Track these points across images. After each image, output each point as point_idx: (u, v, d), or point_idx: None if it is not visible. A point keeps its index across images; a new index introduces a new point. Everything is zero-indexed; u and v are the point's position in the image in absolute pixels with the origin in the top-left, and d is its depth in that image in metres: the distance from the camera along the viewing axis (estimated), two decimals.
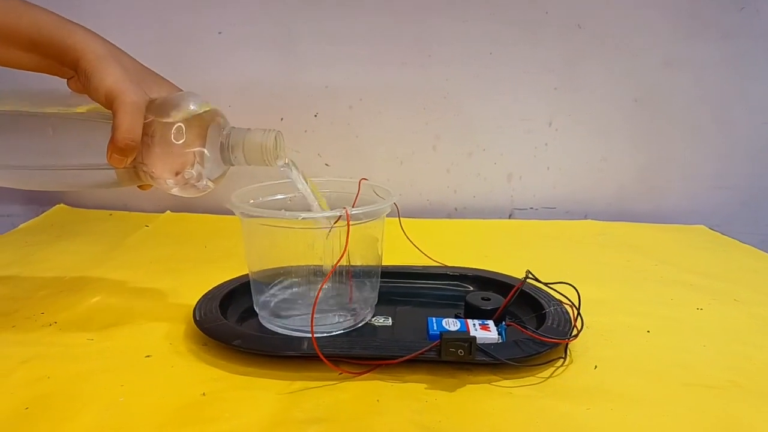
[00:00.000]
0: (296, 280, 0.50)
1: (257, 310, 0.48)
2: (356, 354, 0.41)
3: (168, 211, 0.84)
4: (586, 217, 0.90)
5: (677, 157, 0.89)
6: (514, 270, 0.58)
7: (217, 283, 0.52)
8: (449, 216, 0.89)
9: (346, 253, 0.43)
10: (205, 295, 0.50)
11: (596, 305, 0.51)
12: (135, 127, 0.38)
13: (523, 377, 0.41)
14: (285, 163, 0.44)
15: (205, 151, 0.41)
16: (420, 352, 0.40)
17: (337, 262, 0.43)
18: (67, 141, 0.43)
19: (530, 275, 0.49)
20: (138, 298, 0.53)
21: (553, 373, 0.41)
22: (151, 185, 0.43)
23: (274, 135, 0.42)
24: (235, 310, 0.49)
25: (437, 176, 0.88)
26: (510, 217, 0.90)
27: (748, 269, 0.66)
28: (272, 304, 0.48)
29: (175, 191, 0.42)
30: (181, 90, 0.45)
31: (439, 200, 0.89)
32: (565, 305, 0.49)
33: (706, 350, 0.46)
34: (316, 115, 0.85)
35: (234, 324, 0.45)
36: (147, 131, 0.39)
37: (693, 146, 0.88)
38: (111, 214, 0.83)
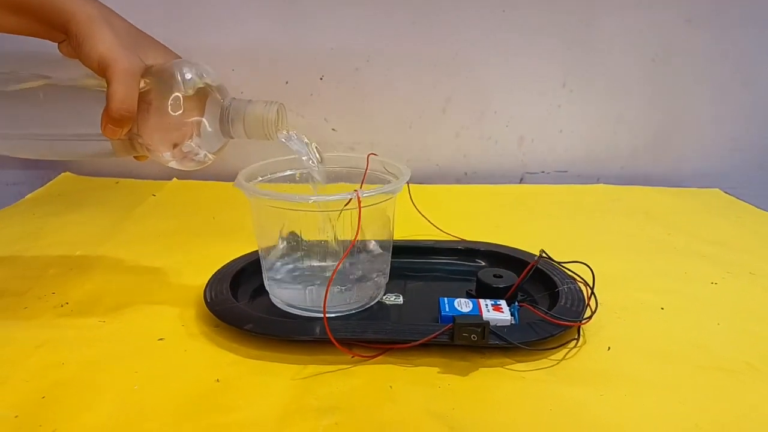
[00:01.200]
0: (305, 257, 0.49)
1: (267, 289, 0.48)
2: (368, 338, 0.41)
3: (175, 179, 0.83)
4: (598, 181, 0.88)
5: (694, 119, 0.87)
6: (526, 241, 0.58)
7: (227, 260, 0.52)
8: (458, 181, 0.88)
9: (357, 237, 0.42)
10: (216, 274, 0.49)
11: (609, 279, 0.51)
12: (130, 97, 0.37)
13: (536, 360, 0.40)
14: (287, 136, 0.43)
15: (204, 122, 0.40)
16: (432, 336, 0.40)
17: (349, 249, 0.42)
18: (60, 109, 0.42)
19: (544, 254, 0.48)
20: (148, 276, 0.53)
21: (566, 355, 0.41)
22: (148, 156, 0.42)
23: (276, 107, 0.41)
24: (246, 288, 0.49)
25: (447, 140, 0.86)
26: (521, 181, 0.89)
27: (763, 237, 0.65)
28: (281, 281, 0.47)
29: (172, 164, 0.41)
30: (178, 55, 0.44)
31: (449, 165, 0.88)
32: (578, 283, 0.48)
33: (721, 329, 0.45)
34: (321, 78, 0.83)
35: (245, 305, 0.45)
36: (143, 101, 0.38)
37: (711, 107, 0.86)
38: (117, 182, 0.83)
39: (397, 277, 0.51)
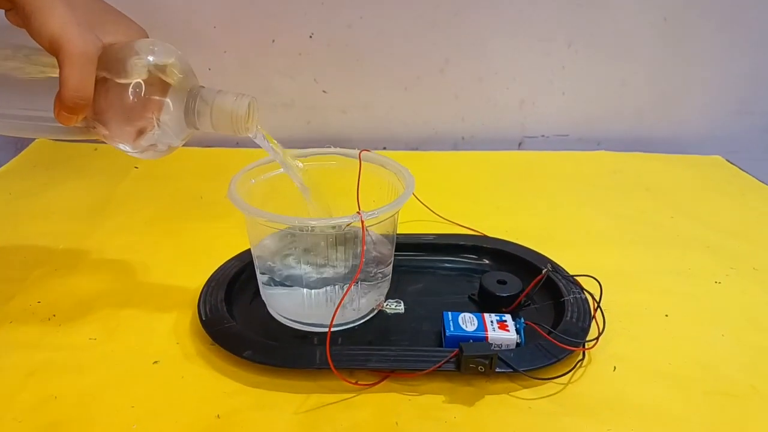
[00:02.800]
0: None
1: (263, 298, 0.46)
2: (372, 366, 0.39)
3: None
4: (599, 146, 0.85)
5: (701, 81, 0.83)
6: (527, 227, 0.57)
7: (220, 253, 0.50)
8: (455, 146, 0.85)
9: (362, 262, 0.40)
10: (209, 281, 0.47)
11: (613, 278, 0.50)
12: (84, 83, 0.33)
13: (541, 385, 0.40)
14: (258, 136, 0.40)
15: (167, 115, 0.36)
16: (437, 366, 0.39)
17: (357, 276, 0.40)
18: (11, 90, 0.38)
19: (550, 267, 0.46)
20: (137, 278, 0.51)
21: (571, 378, 0.41)
22: None
23: (248, 101, 0.37)
24: (241, 299, 0.47)
25: (444, 103, 0.82)
26: (520, 146, 0.85)
27: (764, 217, 0.65)
28: (276, 290, 0.46)
29: (132, 155, 0.38)
30: (144, 32, 0.40)
31: (446, 129, 0.84)
32: (584, 292, 0.47)
33: (725, 341, 0.45)
34: (311, 36, 0.77)
35: (242, 324, 0.43)
36: (99, 87, 0.34)
37: (720, 69, 0.82)
38: (96, 149, 0.78)
39: (398, 275, 0.49)
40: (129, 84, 0.34)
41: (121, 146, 0.38)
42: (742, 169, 0.78)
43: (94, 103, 0.35)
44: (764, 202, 0.69)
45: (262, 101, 0.79)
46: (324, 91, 0.80)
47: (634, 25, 0.78)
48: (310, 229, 0.39)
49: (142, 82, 0.35)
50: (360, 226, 0.38)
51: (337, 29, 0.77)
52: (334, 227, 0.39)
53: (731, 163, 0.80)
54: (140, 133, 0.36)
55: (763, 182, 0.74)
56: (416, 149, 0.84)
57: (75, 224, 0.59)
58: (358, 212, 0.38)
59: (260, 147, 0.41)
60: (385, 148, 0.84)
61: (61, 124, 0.35)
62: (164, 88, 0.36)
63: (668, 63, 0.81)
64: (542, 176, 0.75)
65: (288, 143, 0.82)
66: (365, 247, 0.40)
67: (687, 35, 0.79)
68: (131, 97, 0.35)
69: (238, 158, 0.72)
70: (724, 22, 0.79)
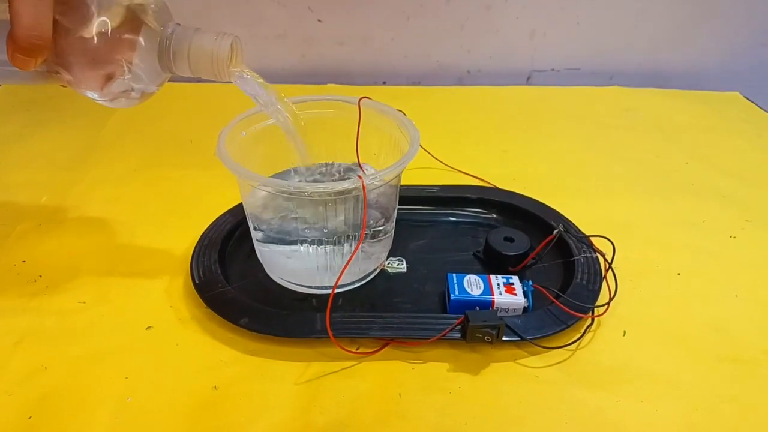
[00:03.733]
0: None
1: (259, 257, 0.44)
2: (374, 335, 0.38)
3: None
4: (611, 80, 0.80)
5: (722, 10, 0.77)
6: (536, 176, 0.55)
7: (212, 206, 0.48)
8: (460, 80, 0.80)
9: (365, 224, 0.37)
10: (202, 238, 0.45)
11: (625, 231, 0.48)
12: (41, 21, 0.29)
13: (549, 350, 0.39)
14: (242, 78, 0.36)
15: (138, 58, 0.33)
16: (443, 334, 0.37)
17: (360, 243, 0.38)
18: None
19: (561, 229, 0.44)
20: (127, 235, 0.48)
21: (580, 343, 0.39)
22: None
23: (230, 42, 0.34)
24: (235, 259, 0.45)
25: (449, 34, 0.76)
26: (528, 80, 0.81)
27: None
28: (273, 253, 0.43)
29: (100, 103, 0.35)
30: None
31: (451, 62, 0.79)
32: (596, 251, 0.45)
33: (738, 302, 0.43)
34: None
35: (237, 288, 0.41)
36: (59, 27, 0.31)
37: None
38: None
39: (400, 230, 0.46)
40: (93, 22, 0.31)
41: (89, 94, 0.34)
42: (761, 107, 0.74)
43: (54, 43, 0.31)
44: None
45: (253, 32, 0.75)
46: (319, 21, 0.74)
47: None
48: (307, 194, 0.36)
49: (107, 20, 0.31)
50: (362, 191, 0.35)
51: None
52: (333, 193, 0.36)
53: (749, 100, 0.76)
54: (109, 78, 0.33)
55: None
56: (418, 84, 0.79)
57: (57, 173, 0.56)
58: (359, 176, 0.35)
59: (248, 94, 0.37)
60: (385, 83, 0.79)
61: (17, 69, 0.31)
62: (134, 26, 0.32)
63: None
64: (551, 115, 0.71)
65: (281, 78, 0.78)
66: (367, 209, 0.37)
67: None
68: (96, 38, 0.31)
69: (230, 94, 0.68)
70: None
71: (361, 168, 0.46)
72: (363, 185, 0.35)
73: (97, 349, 0.38)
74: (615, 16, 0.76)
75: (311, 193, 0.35)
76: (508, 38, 0.77)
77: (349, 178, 0.42)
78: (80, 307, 0.41)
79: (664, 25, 0.77)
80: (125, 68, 0.33)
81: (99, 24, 0.31)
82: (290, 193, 0.36)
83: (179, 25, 0.34)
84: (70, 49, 0.31)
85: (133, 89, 0.34)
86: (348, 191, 0.36)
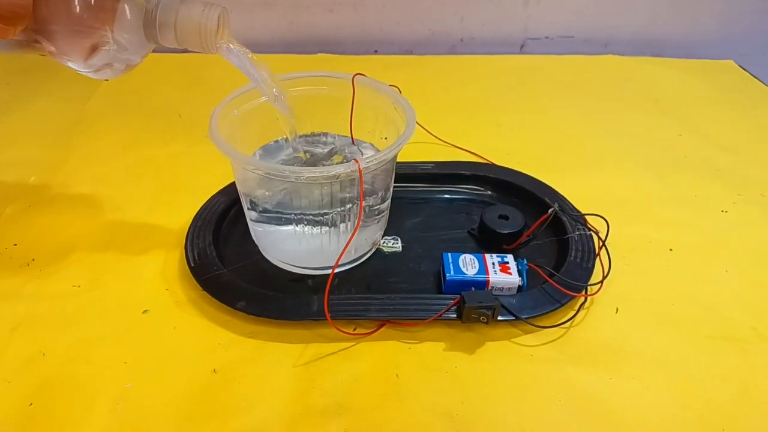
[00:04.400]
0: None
1: (254, 238, 0.44)
2: (371, 317, 0.38)
3: None
4: (606, 48, 0.79)
5: None
6: (530, 147, 0.56)
7: (204, 183, 0.47)
8: (453, 49, 0.78)
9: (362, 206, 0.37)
10: (196, 218, 0.45)
11: (618, 207, 0.48)
12: None
13: (543, 328, 0.39)
14: (229, 50, 0.35)
15: (123, 28, 0.32)
16: (438, 315, 0.38)
17: (357, 227, 0.37)
18: None
19: (557, 208, 0.44)
20: (119, 214, 0.48)
21: (573, 321, 0.40)
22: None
23: (218, 13, 0.33)
24: (231, 240, 0.45)
25: (442, 1, 0.75)
26: (522, 48, 0.79)
27: None
28: (268, 233, 0.43)
29: (84, 74, 0.34)
30: None
31: (443, 30, 0.77)
32: (590, 228, 0.45)
33: (728, 278, 0.44)
34: None
35: (233, 270, 0.41)
36: None
37: None
38: None
39: (395, 208, 0.46)
40: None
41: (71, 64, 0.33)
42: (755, 76, 0.73)
43: (35, 11, 0.30)
44: None
45: (241, 1, 0.72)
46: None
47: None
48: (304, 179, 0.35)
49: None
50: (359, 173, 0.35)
51: None
52: (329, 178, 0.35)
53: (743, 69, 0.75)
54: (93, 49, 0.32)
55: None
56: (410, 52, 0.78)
57: (45, 151, 0.55)
58: (356, 160, 0.35)
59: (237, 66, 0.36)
60: (376, 52, 0.77)
61: None
62: None
63: None
64: (545, 85, 0.70)
65: (269, 47, 0.76)
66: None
67: None
68: (78, 6, 0.30)
69: (217, 66, 0.66)
70: None
71: (355, 144, 0.45)
72: (359, 169, 0.35)
73: (95, 334, 0.38)
74: None
75: (307, 177, 0.35)
76: (501, 5, 0.75)
77: (344, 156, 0.41)
78: (75, 291, 0.41)
79: None
80: (109, 38, 0.32)
81: None
82: (285, 177, 0.36)
83: None
84: (53, 17, 0.30)
85: (117, 60, 0.33)
86: (345, 175, 0.35)
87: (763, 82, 0.72)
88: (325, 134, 0.46)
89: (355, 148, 0.45)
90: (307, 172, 0.35)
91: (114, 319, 0.39)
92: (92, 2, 0.30)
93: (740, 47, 0.79)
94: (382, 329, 0.39)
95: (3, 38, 0.30)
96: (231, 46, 0.35)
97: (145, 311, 0.40)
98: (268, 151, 0.45)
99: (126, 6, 0.32)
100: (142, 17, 0.32)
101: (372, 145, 0.46)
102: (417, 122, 0.40)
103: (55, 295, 0.41)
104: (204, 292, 0.40)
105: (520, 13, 0.76)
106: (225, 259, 0.43)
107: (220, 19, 0.33)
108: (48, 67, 0.69)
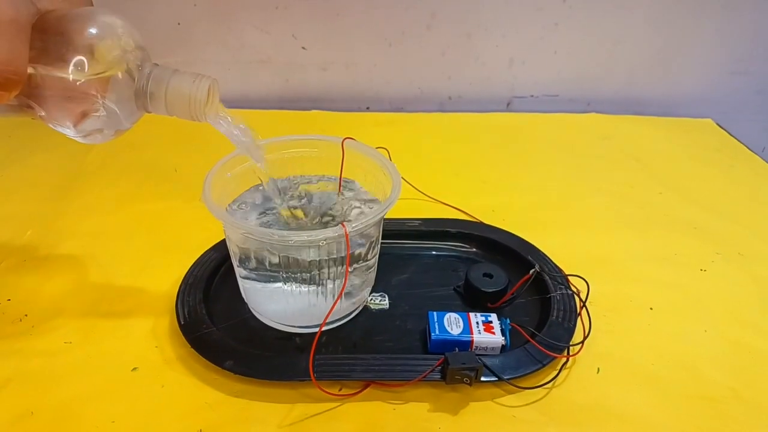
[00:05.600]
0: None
1: (243, 296, 0.45)
2: (356, 377, 0.39)
3: None
4: (589, 106, 0.83)
5: (698, 39, 0.79)
6: (514, 205, 0.57)
7: (197, 239, 0.49)
8: (441, 106, 0.81)
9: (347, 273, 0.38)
10: (187, 276, 0.46)
11: (600, 265, 0.50)
12: (16, 55, 0.29)
13: (526, 388, 0.40)
14: (218, 120, 0.37)
15: (114, 97, 0.33)
16: (423, 375, 0.38)
17: (341, 293, 0.38)
18: None
19: (538, 269, 0.45)
20: (112, 270, 0.49)
21: (555, 383, 0.41)
22: None
23: (208, 85, 0.34)
24: (221, 295, 0.46)
25: (431, 61, 0.78)
26: (508, 106, 0.82)
27: (752, 192, 0.64)
28: (256, 290, 0.44)
29: (72, 138, 0.35)
30: None
31: (432, 88, 0.80)
32: (571, 287, 0.47)
33: (707, 338, 0.45)
34: None
35: (223, 329, 0.42)
36: (34, 62, 0.30)
37: (717, 26, 0.78)
38: None
39: (383, 264, 0.47)
40: (71, 60, 0.31)
41: (62, 129, 0.34)
42: (732, 135, 0.76)
43: (29, 79, 0.30)
44: (752, 174, 0.68)
45: (236, 57, 0.75)
46: (303, 48, 0.75)
47: None
48: (291, 243, 0.36)
49: (84, 60, 0.31)
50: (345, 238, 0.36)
51: None
52: (315, 242, 0.37)
53: (721, 127, 0.78)
54: (83, 115, 0.33)
55: (752, 148, 0.73)
56: (401, 109, 0.81)
57: (40, 205, 0.56)
58: (342, 223, 0.36)
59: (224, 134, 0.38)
60: (368, 109, 0.80)
61: None
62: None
63: (665, 20, 0.77)
64: (530, 142, 0.72)
65: (264, 103, 0.79)
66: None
67: None
68: (73, 76, 0.31)
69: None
70: None
71: (342, 192, 0.46)
72: (346, 233, 0.36)
73: (84, 392, 0.38)
74: (591, 45, 0.78)
75: (295, 241, 0.36)
76: (487, 66, 0.79)
77: (332, 218, 0.43)
78: (66, 348, 0.42)
79: (640, 54, 0.80)
80: (100, 106, 0.33)
81: (76, 62, 0.30)
82: (273, 242, 0.37)
83: (157, 65, 0.34)
84: (45, 84, 0.31)
85: (107, 127, 0.34)
86: (331, 239, 0.37)
87: (740, 141, 0.75)
88: (311, 194, 0.48)
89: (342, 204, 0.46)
90: (295, 236, 0.36)
91: (103, 377, 0.40)
92: (87, 75, 0.31)
93: (718, 106, 0.83)
94: (368, 389, 0.39)
95: None
96: (219, 115, 0.37)
97: (134, 369, 0.40)
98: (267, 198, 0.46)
99: (118, 75, 0.33)
100: (133, 86, 0.33)
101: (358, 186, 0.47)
102: (405, 179, 0.41)
103: (46, 352, 0.41)
104: (192, 350, 0.41)
105: (506, 73, 0.79)
106: (214, 316, 0.43)
107: (210, 90, 0.34)
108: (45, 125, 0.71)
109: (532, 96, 0.82)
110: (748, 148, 0.73)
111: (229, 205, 0.44)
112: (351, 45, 0.76)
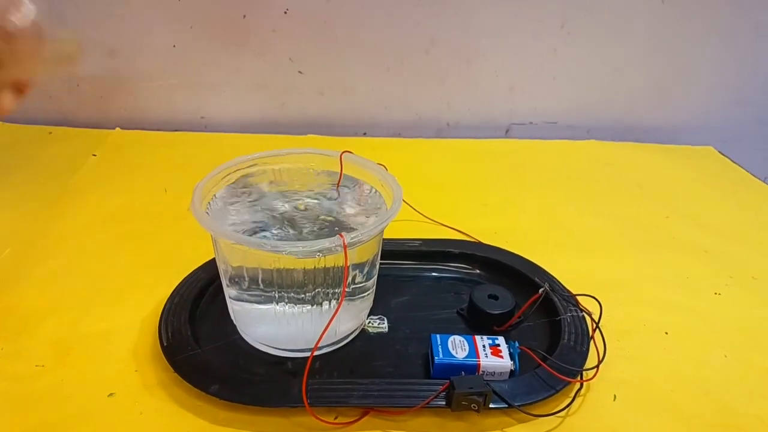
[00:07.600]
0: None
1: (232, 318, 0.42)
2: (354, 404, 0.36)
3: (117, 128, 0.72)
4: (588, 133, 0.81)
5: (697, 68, 0.79)
6: (516, 227, 0.55)
7: (184, 258, 0.46)
8: (440, 133, 0.80)
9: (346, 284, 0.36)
10: (172, 296, 0.43)
11: (610, 288, 0.47)
12: None
13: (539, 416, 0.37)
14: None
15: None
16: (426, 402, 0.35)
17: (339, 307, 0.36)
18: None
19: (547, 288, 0.43)
20: (92, 292, 0.46)
21: (569, 410, 0.38)
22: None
23: None
24: (207, 315, 0.43)
25: (429, 87, 0.77)
26: (507, 132, 0.81)
27: (759, 217, 0.63)
28: (246, 311, 0.41)
29: None
30: None
31: (431, 114, 0.79)
32: (581, 309, 0.44)
33: (728, 363, 0.42)
34: (286, 12, 0.71)
35: (208, 351, 0.39)
36: None
37: (717, 55, 0.78)
38: (50, 132, 0.71)
39: (382, 286, 0.45)
40: None
41: None
42: (734, 161, 0.75)
43: None
44: (756, 198, 0.67)
45: (233, 82, 0.74)
46: (300, 72, 0.74)
47: (631, 6, 0.74)
48: (286, 253, 0.34)
49: None
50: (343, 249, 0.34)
51: (314, 4, 0.71)
52: (312, 253, 0.34)
53: (723, 154, 0.77)
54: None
55: (754, 175, 0.72)
56: (399, 135, 0.80)
57: (24, 223, 0.53)
58: (340, 234, 0.34)
59: None
60: (365, 134, 0.79)
61: None
62: None
63: (662, 48, 0.77)
64: (531, 169, 0.71)
65: (260, 128, 0.77)
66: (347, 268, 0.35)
67: (684, 18, 0.75)
68: None
69: (205, 143, 0.67)
70: (722, 7, 0.75)
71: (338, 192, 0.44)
72: (344, 244, 0.34)
73: (55, 419, 0.35)
74: (590, 73, 0.78)
75: (290, 252, 0.34)
76: (486, 92, 0.78)
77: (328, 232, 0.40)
78: (38, 372, 0.38)
79: (640, 82, 0.79)
80: None
81: None
82: (266, 251, 0.34)
83: None
84: None
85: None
86: (328, 250, 0.34)
87: (742, 167, 0.74)
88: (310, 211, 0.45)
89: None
90: (289, 247, 0.34)
91: (77, 403, 0.36)
92: None
93: (719, 134, 0.82)
94: (366, 417, 0.36)
95: None
96: None
97: (110, 394, 0.37)
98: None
99: None
100: None
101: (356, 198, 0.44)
102: (404, 201, 0.40)
103: (17, 376, 0.38)
104: (175, 374, 0.38)
105: (505, 100, 0.79)
106: (200, 338, 0.40)
107: None
108: (38, 141, 0.69)
109: (531, 123, 0.81)
110: (750, 173, 0.72)
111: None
112: (349, 69, 0.75)
